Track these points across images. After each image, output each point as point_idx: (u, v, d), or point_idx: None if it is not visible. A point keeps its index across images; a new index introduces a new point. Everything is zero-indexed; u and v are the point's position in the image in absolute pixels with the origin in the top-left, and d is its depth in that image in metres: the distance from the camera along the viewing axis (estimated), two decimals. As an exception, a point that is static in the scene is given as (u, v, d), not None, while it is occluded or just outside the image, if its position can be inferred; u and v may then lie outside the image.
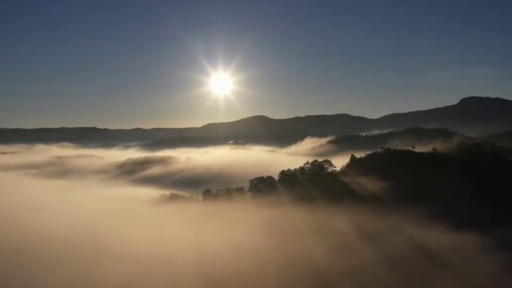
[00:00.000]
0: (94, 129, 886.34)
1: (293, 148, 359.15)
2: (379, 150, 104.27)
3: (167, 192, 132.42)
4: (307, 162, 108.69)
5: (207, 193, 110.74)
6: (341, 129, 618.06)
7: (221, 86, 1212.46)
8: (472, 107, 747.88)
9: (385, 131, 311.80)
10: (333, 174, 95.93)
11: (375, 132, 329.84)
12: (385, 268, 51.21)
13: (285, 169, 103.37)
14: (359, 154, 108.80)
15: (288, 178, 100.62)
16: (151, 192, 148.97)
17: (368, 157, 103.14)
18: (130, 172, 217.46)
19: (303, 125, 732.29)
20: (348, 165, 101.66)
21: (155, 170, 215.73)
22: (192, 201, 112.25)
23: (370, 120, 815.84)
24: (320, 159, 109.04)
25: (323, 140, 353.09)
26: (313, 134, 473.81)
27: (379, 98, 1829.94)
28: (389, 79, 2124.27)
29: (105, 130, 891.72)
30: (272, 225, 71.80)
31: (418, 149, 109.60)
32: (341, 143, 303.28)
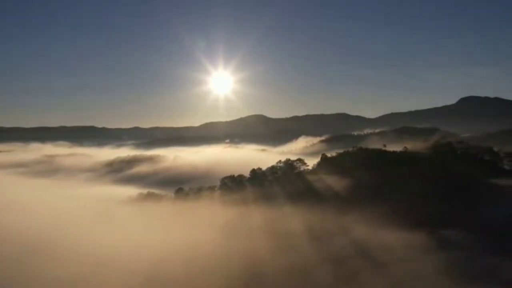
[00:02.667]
0: (92, 128, 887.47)
1: (286, 147, 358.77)
2: (350, 149, 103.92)
3: (145, 191, 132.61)
4: (280, 160, 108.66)
5: (179, 192, 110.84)
6: (339, 128, 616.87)
7: (221, 85, 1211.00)
8: (471, 107, 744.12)
9: (377, 130, 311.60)
10: (301, 173, 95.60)
11: (367, 131, 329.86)
12: (322, 268, 51.06)
13: (256, 167, 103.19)
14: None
15: (258, 177, 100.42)
16: (131, 191, 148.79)
17: (339, 156, 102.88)
18: (117, 170, 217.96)
19: (301, 124, 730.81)
20: (319, 164, 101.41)
21: (141, 168, 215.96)
22: (165, 199, 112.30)
23: (369, 119, 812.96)
24: (310, 158, 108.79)
25: (316, 139, 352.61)
26: (310, 134, 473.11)
27: (378, 97, 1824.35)
28: (388, 78, 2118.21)
29: (103, 129, 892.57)
30: (229, 224, 71.84)
31: (396, 148, 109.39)
32: (333, 143, 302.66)
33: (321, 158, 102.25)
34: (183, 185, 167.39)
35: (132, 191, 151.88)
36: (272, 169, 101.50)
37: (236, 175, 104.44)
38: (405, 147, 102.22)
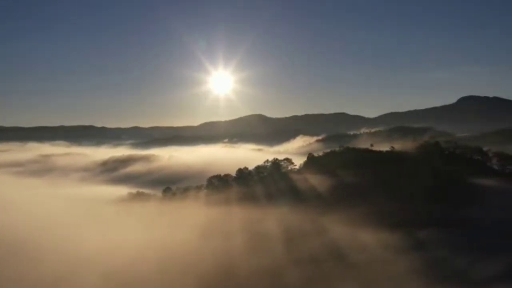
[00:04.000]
0: (91, 127, 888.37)
1: (283, 147, 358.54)
2: (336, 149, 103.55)
3: (134, 191, 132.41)
4: (267, 160, 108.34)
5: (167, 191, 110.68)
6: (338, 128, 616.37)
7: (221, 84, 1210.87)
8: (470, 106, 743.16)
9: (372, 130, 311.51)
10: (286, 173, 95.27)
11: (363, 130, 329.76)
12: (294, 269, 50.75)
13: (242, 167, 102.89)
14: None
15: (244, 176, 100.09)
16: (122, 191, 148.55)
17: (325, 156, 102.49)
18: (111, 170, 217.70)
19: (300, 124, 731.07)
20: (305, 164, 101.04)
21: (135, 168, 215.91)
22: (153, 199, 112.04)
23: (368, 119, 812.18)
24: (304, 158, 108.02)
25: (313, 139, 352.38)
26: (309, 133, 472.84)
27: (378, 97, 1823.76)
28: (387, 78, 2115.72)
29: (102, 128, 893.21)
30: (208, 225, 71.55)
31: (387, 147, 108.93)
32: (329, 142, 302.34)
33: (307, 158, 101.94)
34: (176, 184, 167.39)
35: (123, 190, 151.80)
36: (258, 168, 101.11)
37: (222, 174, 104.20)
38: (392, 146, 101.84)
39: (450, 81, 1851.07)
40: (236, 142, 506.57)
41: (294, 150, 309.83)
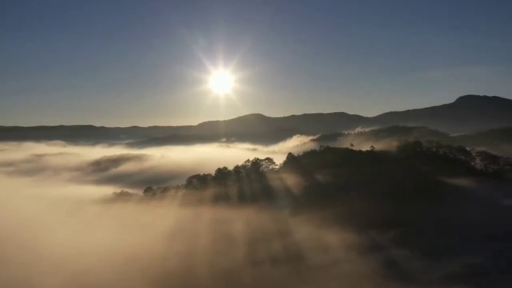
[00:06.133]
0: (90, 127, 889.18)
1: (278, 146, 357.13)
2: (317, 149, 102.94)
3: (119, 190, 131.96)
4: (248, 159, 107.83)
5: (147, 191, 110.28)
6: (336, 127, 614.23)
7: (221, 83, 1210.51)
8: (469, 106, 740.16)
9: (367, 130, 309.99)
10: (263, 173, 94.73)
11: (358, 130, 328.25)
12: (252, 270, 50.29)
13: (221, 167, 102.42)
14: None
15: (223, 176, 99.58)
16: (108, 190, 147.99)
17: (305, 155, 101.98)
18: (102, 170, 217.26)
19: (298, 123, 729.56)
20: (284, 164, 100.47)
21: (126, 167, 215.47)
22: (134, 199, 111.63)
23: (367, 118, 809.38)
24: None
25: (308, 138, 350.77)
26: (307, 133, 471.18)
27: (377, 96, 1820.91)
28: (386, 77, 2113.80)
29: (101, 128, 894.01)
30: (178, 226, 71.15)
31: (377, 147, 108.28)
32: (323, 141, 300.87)
33: (287, 158, 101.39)
34: (165, 183, 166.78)
35: (109, 190, 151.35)
36: (237, 168, 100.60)
37: (202, 174, 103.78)
38: (372, 146, 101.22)
39: (450, 80, 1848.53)
40: (233, 141, 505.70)
41: (287, 149, 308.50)
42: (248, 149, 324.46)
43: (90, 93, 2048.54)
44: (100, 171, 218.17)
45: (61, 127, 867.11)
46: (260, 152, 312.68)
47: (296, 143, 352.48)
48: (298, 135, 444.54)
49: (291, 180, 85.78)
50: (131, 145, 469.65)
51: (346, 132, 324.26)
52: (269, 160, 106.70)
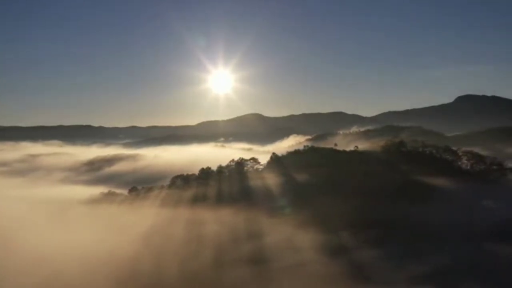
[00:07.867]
0: (89, 127, 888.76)
1: (274, 146, 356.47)
2: (301, 148, 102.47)
3: (106, 190, 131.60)
4: (232, 160, 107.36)
5: (133, 191, 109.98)
6: (335, 127, 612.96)
7: (221, 83, 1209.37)
8: (468, 105, 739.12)
9: (362, 129, 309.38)
10: (245, 173, 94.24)
11: (353, 130, 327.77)
12: (222, 272, 49.92)
13: (205, 167, 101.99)
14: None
15: (206, 176, 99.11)
16: (97, 190, 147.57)
17: (289, 155, 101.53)
18: (95, 169, 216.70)
19: (297, 123, 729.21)
20: (268, 164, 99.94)
21: (119, 167, 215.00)
22: (119, 200, 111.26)
23: (365, 118, 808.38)
24: None
25: (304, 138, 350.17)
26: (306, 132, 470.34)
27: (376, 96, 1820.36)
28: (385, 77, 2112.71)
29: (100, 128, 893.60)
30: (155, 226, 70.94)
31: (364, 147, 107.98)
32: (318, 141, 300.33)
33: (270, 158, 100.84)
34: (156, 183, 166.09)
35: (99, 190, 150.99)
36: (220, 168, 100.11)
37: (185, 174, 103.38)
38: (356, 146, 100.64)
39: (448, 80, 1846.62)
40: (231, 141, 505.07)
41: (283, 149, 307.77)
42: (244, 149, 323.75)
43: (89, 93, 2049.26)
44: (93, 171, 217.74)
45: (60, 127, 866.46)
46: (255, 152, 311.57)
47: (292, 143, 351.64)
48: (295, 134, 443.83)
49: (272, 180, 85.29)
50: (128, 145, 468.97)
51: (341, 132, 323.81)
52: (254, 160, 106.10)
